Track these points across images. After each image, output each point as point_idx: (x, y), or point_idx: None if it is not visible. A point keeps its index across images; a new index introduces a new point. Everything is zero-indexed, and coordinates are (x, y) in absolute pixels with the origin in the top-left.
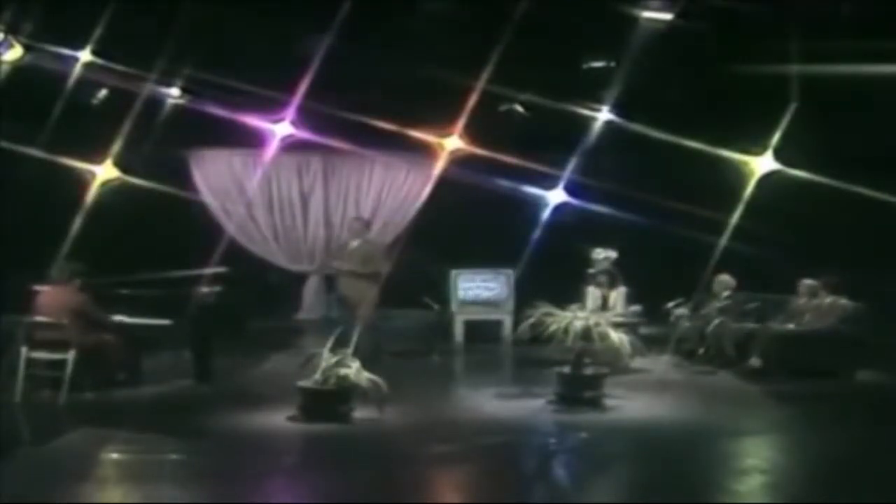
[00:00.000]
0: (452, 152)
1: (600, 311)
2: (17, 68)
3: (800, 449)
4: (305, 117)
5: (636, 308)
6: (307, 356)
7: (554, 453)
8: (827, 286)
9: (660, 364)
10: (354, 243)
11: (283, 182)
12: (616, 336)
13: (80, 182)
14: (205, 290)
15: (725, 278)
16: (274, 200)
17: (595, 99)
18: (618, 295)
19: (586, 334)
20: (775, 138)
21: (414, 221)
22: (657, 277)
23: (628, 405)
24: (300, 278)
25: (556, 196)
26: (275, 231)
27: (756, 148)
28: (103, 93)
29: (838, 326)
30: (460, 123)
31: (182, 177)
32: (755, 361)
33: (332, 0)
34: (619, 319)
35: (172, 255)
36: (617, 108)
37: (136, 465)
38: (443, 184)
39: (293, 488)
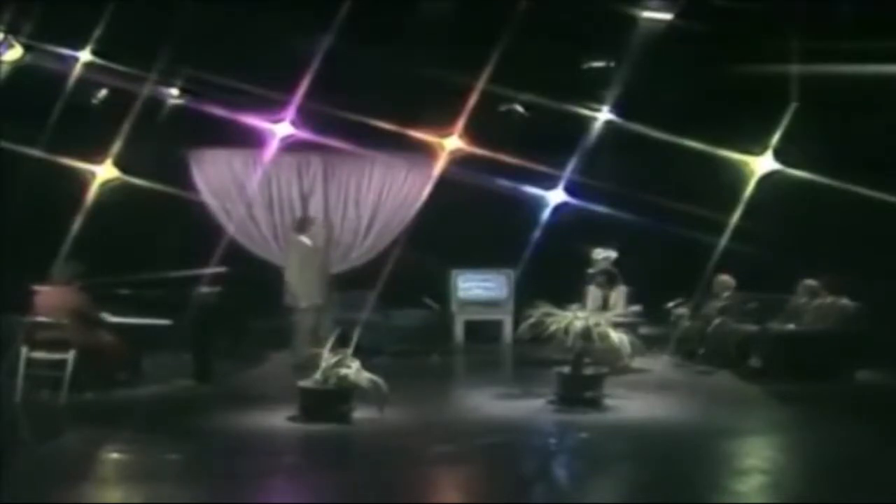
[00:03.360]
0: (452, 152)
1: (600, 311)
2: (17, 68)
3: (800, 449)
4: (305, 117)
5: (636, 308)
6: (308, 356)
7: (554, 453)
8: (827, 286)
9: (660, 364)
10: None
11: (283, 182)
12: (616, 336)
13: (80, 182)
14: (205, 290)
15: (725, 278)
16: (274, 200)
17: (595, 99)
18: (618, 295)
19: (586, 334)
20: (775, 138)
21: (414, 221)
22: (657, 277)
23: (628, 405)
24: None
25: (556, 196)
26: (275, 231)
27: (756, 148)
28: (103, 93)
29: (838, 326)
30: (460, 123)
31: (182, 177)
32: (755, 361)
33: (332, 0)
34: (619, 319)
35: (172, 255)
36: (617, 108)
37: (136, 465)
38: (443, 184)
39: (293, 488)
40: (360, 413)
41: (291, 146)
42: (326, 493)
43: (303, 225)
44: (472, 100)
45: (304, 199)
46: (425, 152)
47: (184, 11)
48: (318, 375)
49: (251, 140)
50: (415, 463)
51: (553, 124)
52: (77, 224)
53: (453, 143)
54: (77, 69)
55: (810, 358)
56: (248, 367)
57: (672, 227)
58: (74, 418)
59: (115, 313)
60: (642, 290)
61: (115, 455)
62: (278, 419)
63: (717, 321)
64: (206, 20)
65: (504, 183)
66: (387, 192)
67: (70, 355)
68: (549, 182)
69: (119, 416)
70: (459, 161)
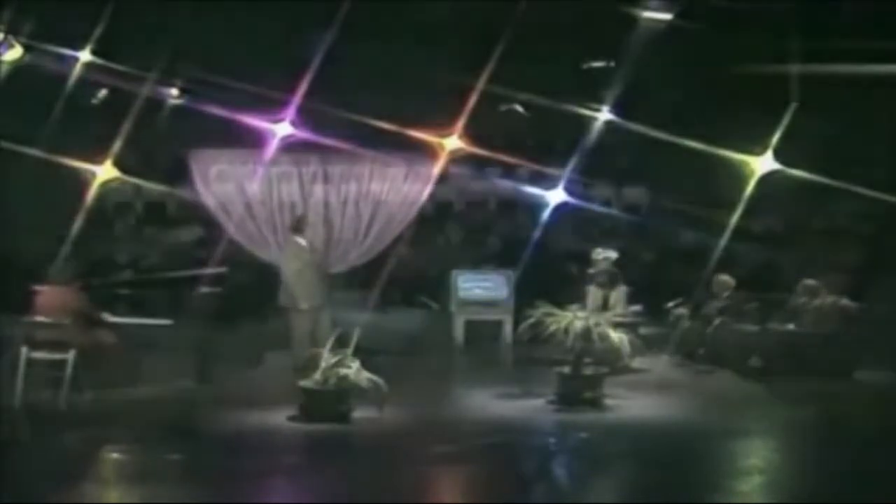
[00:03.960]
0: (452, 152)
1: (600, 311)
2: (17, 68)
3: (800, 449)
4: (305, 117)
5: (636, 308)
6: (308, 357)
7: (554, 453)
8: (828, 286)
9: (660, 364)
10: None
11: (283, 182)
12: (616, 336)
13: (80, 182)
14: (205, 290)
15: (725, 278)
16: (274, 200)
17: (595, 99)
18: (618, 295)
19: (586, 334)
20: (775, 138)
21: (414, 221)
22: (657, 277)
23: (628, 405)
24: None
25: (556, 196)
26: (275, 231)
27: (756, 148)
28: (103, 93)
29: (839, 327)
30: (460, 123)
31: (182, 177)
32: (755, 361)
33: (332, 0)
34: (619, 319)
35: (173, 256)
36: (617, 108)
37: (135, 465)
38: (443, 184)
39: (293, 488)
40: (360, 413)
41: (291, 146)
42: (326, 493)
43: (299, 225)
44: (472, 100)
45: (304, 199)
46: (425, 152)
47: (184, 11)
48: (317, 375)
49: (251, 140)
50: (415, 463)
51: (553, 124)
52: (77, 224)
53: (453, 143)
54: (77, 69)
55: (810, 358)
56: (247, 367)
57: (672, 227)
58: (74, 418)
59: (115, 313)
60: (642, 290)
61: (115, 455)
62: (278, 419)
63: (717, 321)
64: (207, 20)
65: (504, 183)
66: (387, 192)
67: (70, 355)
68: (549, 182)
69: (119, 416)
70: (459, 161)
